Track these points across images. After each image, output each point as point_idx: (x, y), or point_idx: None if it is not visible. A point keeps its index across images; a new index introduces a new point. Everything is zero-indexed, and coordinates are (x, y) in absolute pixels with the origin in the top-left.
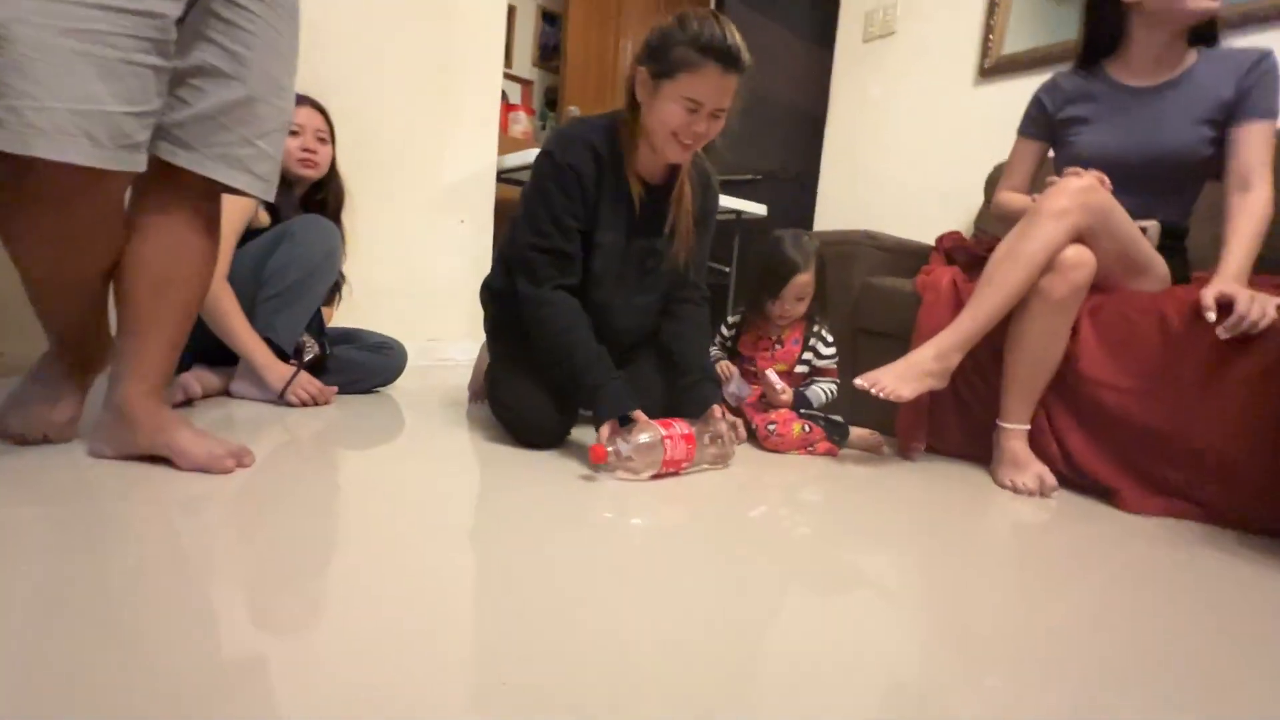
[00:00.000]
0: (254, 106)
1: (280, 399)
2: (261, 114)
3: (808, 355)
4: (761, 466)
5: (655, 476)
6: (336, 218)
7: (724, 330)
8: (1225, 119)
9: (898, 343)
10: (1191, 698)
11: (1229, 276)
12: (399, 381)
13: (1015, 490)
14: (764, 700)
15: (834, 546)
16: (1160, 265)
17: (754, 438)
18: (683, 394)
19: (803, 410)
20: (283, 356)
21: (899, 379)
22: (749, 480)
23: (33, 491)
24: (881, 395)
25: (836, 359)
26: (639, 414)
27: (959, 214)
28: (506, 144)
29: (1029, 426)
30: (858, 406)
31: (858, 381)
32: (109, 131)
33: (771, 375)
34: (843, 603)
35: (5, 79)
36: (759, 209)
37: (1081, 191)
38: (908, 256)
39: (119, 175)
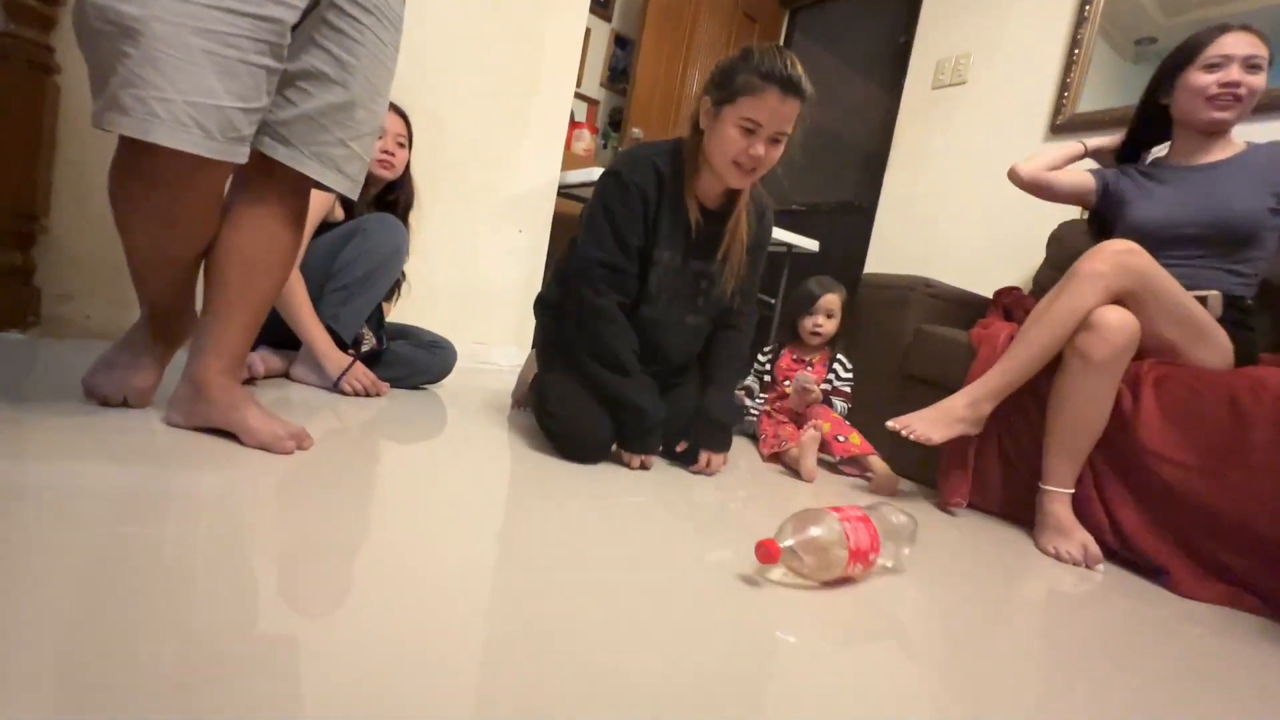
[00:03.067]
0: (353, 111)
1: (335, 387)
2: (359, 118)
3: (830, 376)
4: (791, 497)
5: (831, 583)
6: (405, 218)
7: (760, 358)
8: None
9: (946, 393)
10: None
11: None
12: (445, 380)
13: (1058, 558)
14: None
15: (863, 593)
16: (1220, 334)
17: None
18: (704, 413)
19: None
20: (342, 346)
21: (931, 424)
22: (779, 506)
23: (108, 450)
24: (912, 438)
25: (852, 383)
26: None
27: (1019, 270)
28: (569, 160)
29: (1072, 490)
30: (898, 454)
31: (890, 424)
32: (220, 124)
33: (804, 375)
34: (863, 651)
35: (138, 70)
36: (811, 244)
37: (1118, 254)
38: (963, 307)
39: (223, 165)
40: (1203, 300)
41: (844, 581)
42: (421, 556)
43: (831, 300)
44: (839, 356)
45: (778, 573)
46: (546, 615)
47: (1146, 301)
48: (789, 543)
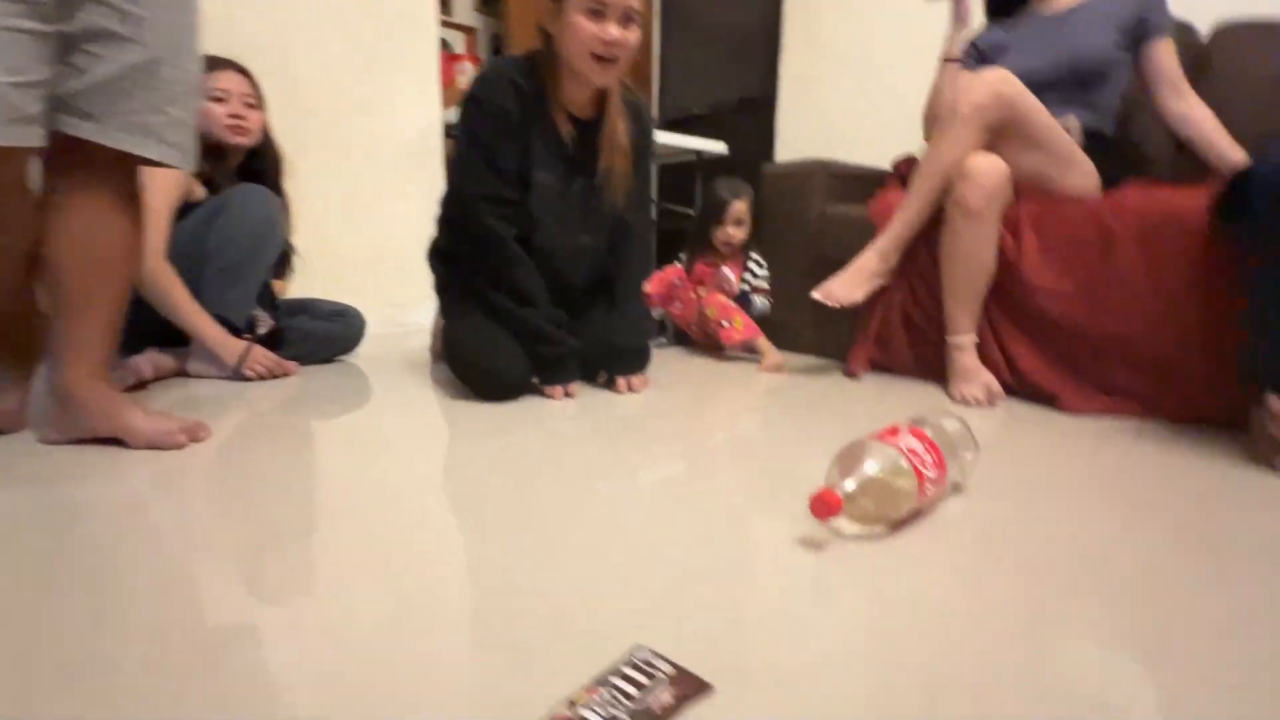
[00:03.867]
0: (157, 70)
1: (237, 375)
2: (167, 78)
3: (746, 277)
4: (711, 386)
5: (901, 522)
6: (276, 185)
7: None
8: (1131, 39)
9: None
10: (1128, 579)
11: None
12: (362, 349)
13: (965, 402)
14: (691, 616)
15: (794, 461)
16: (1085, 160)
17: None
18: (610, 342)
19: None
20: (236, 332)
21: (849, 285)
22: (706, 398)
23: None
24: (835, 304)
25: (768, 279)
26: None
27: (918, 136)
28: (453, 97)
29: (974, 337)
30: (823, 331)
31: (813, 294)
32: None
33: (725, 269)
34: (797, 513)
35: None
36: (719, 147)
37: (992, 84)
38: (867, 184)
39: (13, 151)
40: (1065, 128)
41: (914, 516)
42: (374, 524)
43: (741, 209)
44: (752, 256)
45: (844, 525)
46: (538, 569)
47: (1020, 128)
48: (849, 488)
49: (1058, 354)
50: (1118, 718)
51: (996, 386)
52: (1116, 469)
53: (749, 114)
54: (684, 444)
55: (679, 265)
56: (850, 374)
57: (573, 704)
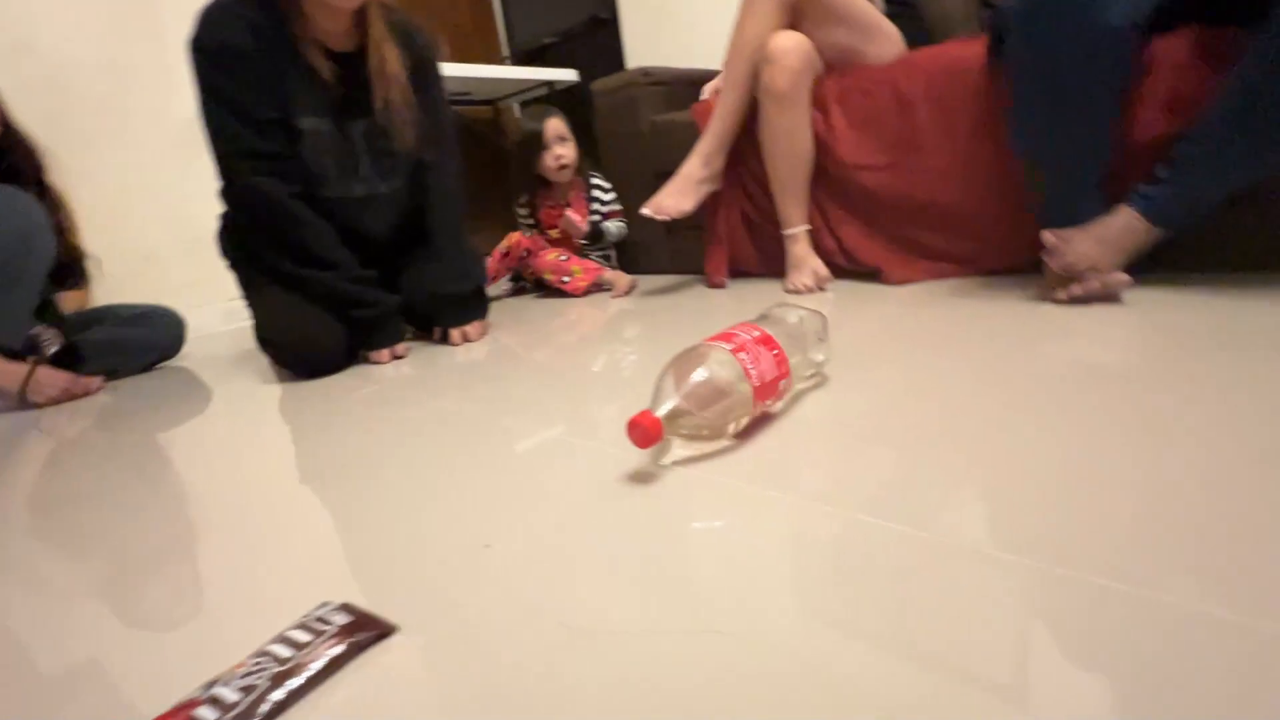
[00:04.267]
0: None
1: (25, 402)
2: None
3: (594, 205)
4: (563, 323)
5: (746, 432)
6: (38, 186)
7: (520, 212)
8: None
9: None
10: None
11: None
12: (196, 349)
13: (795, 291)
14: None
15: (648, 372)
16: (889, 27)
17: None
18: (435, 292)
19: (596, 251)
20: (17, 355)
21: (677, 195)
22: (554, 336)
23: None
24: (667, 216)
25: (617, 200)
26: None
27: None
28: None
29: (807, 227)
30: (679, 247)
31: (643, 210)
32: None
33: (570, 215)
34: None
35: None
36: (569, 75)
37: None
38: (694, 85)
39: None
40: None
41: (761, 421)
42: (238, 537)
43: (556, 125)
44: (594, 180)
45: (675, 447)
46: (418, 560)
47: (813, 11)
48: (669, 405)
49: (878, 228)
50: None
51: (824, 271)
52: (934, 327)
53: (598, 34)
54: (528, 388)
55: (522, 235)
56: (713, 285)
57: (211, 684)
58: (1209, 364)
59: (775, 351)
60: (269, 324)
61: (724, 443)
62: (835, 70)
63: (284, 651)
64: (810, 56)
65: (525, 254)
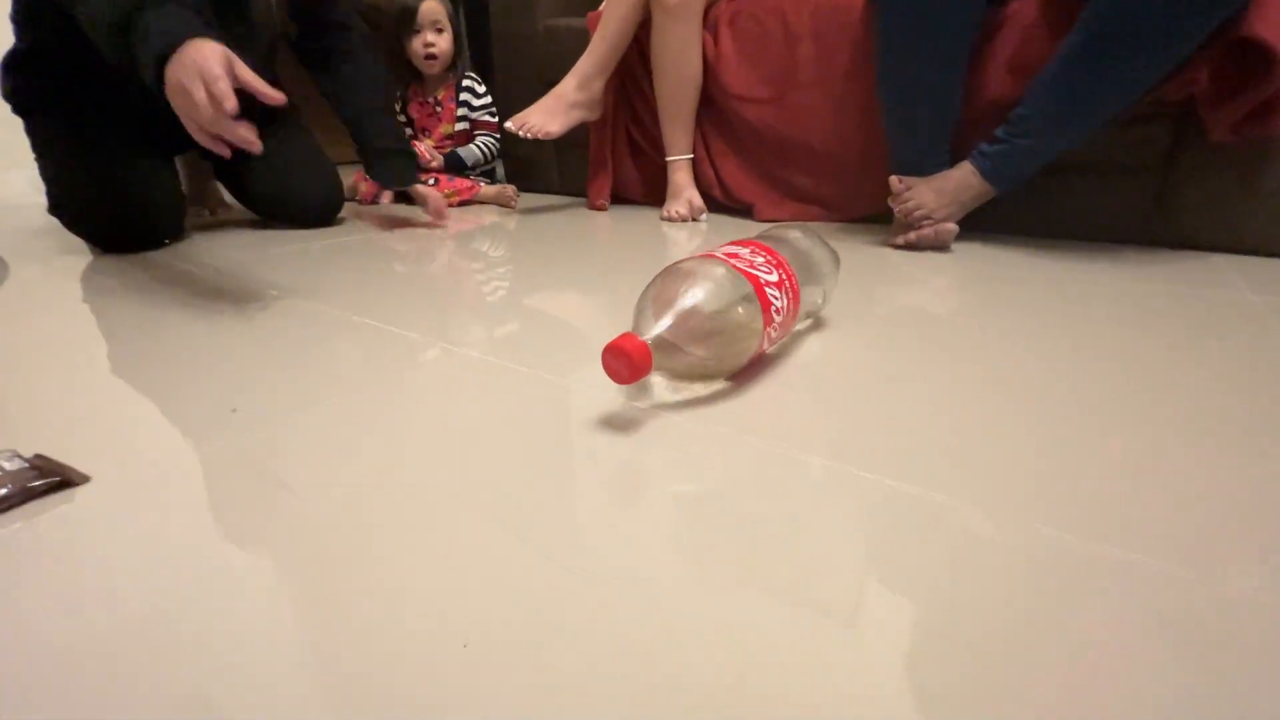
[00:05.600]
0: None
1: None
2: None
3: (463, 111)
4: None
5: (743, 373)
6: None
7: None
8: None
9: None
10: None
11: None
12: None
13: (670, 219)
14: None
15: (520, 293)
16: None
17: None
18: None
19: (462, 172)
20: None
21: (546, 114)
22: (445, 242)
23: None
24: (531, 135)
25: (492, 109)
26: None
27: None
28: None
29: (690, 155)
30: (567, 165)
31: (508, 125)
32: None
33: (420, 147)
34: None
35: None
36: None
37: None
38: None
39: None
40: None
41: (756, 363)
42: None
43: (433, 7)
44: (467, 79)
45: (658, 387)
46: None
47: None
48: (658, 330)
49: (755, 164)
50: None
51: (699, 202)
52: None
53: None
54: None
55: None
56: (594, 207)
57: None
58: (1014, 308)
59: (784, 276)
60: (86, 184)
61: (717, 384)
62: None
63: None
64: None
65: None
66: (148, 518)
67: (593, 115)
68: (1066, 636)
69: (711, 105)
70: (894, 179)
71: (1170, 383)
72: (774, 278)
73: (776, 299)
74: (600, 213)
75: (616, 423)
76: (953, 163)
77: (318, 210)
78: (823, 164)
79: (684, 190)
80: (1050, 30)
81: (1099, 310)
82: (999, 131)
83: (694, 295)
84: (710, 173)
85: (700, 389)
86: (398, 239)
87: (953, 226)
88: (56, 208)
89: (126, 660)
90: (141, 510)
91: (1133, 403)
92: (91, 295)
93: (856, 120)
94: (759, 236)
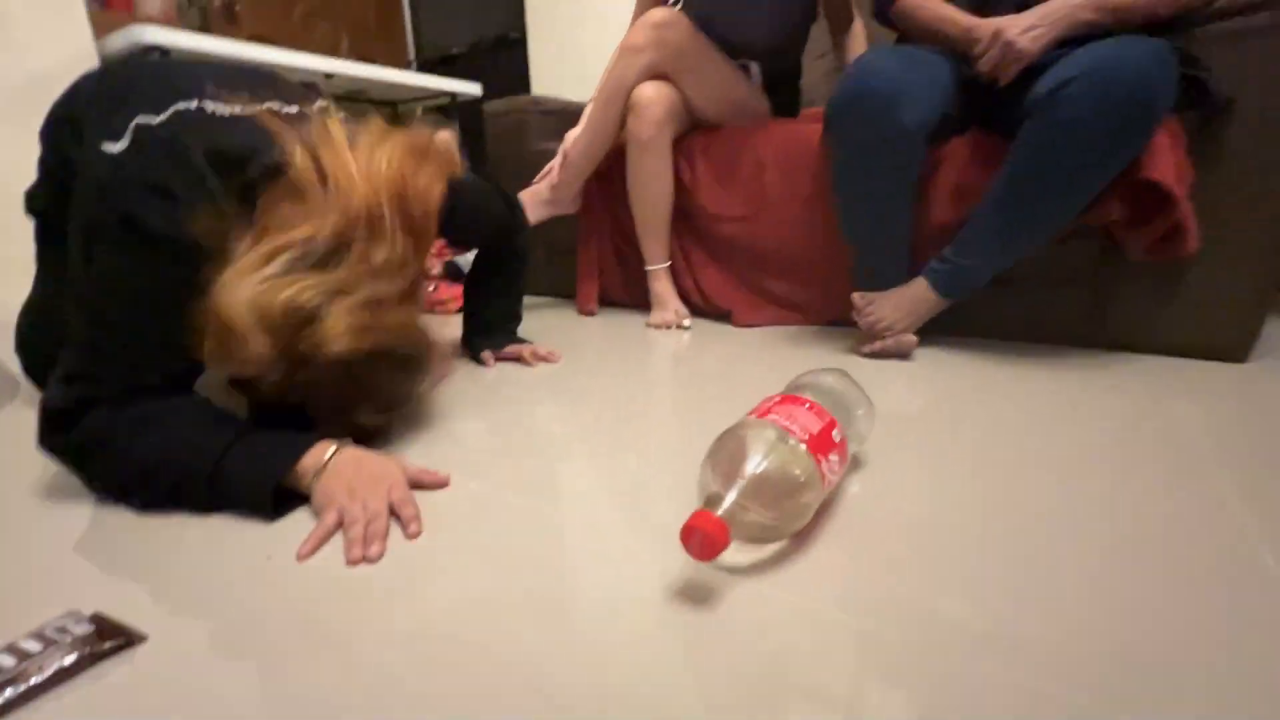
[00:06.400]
0: None
1: None
2: None
3: None
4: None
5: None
6: None
7: None
8: None
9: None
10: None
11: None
12: None
13: (657, 326)
14: None
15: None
16: (758, 105)
17: None
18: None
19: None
20: None
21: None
22: None
23: None
24: None
25: None
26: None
27: None
28: (126, 21)
29: (667, 264)
30: (557, 271)
31: None
32: None
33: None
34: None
35: None
36: (473, 88)
37: (655, 27)
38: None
39: None
40: (746, 69)
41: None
42: None
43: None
44: None
45: (736, 554)
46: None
47: (685, 78)
48: (730, 502)
49: (732, 273)
50: None
51: (683, 309)
52: (758, 370)
53: (506, 52)
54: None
55: None
56: (584, 312)
57: None
58: (971, 407)
59: (827, 426)
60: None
61: (782, 544)
62: (704, 126)
63: (6, 661)
64: (674, 108)
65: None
66: (208, 678)
67: (567, 211)
68: None
69: (690, 222)
70: (856, 296)
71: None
72: (818, 429)
73: (831, 454)
74: (590, 316)
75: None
76: (909, 276)
77: None
78: (795, 272)
79: (668, 302)
80: (985, 164)
81: (1043, 411)
82: (946, 252)
83: (756, 459)
84: (690, 281)
85: (762, 552)
86: None
87: (912, 338)
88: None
89: None
90: (200, 669)
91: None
92: None
93: (822, 234)
94: (794, 388)
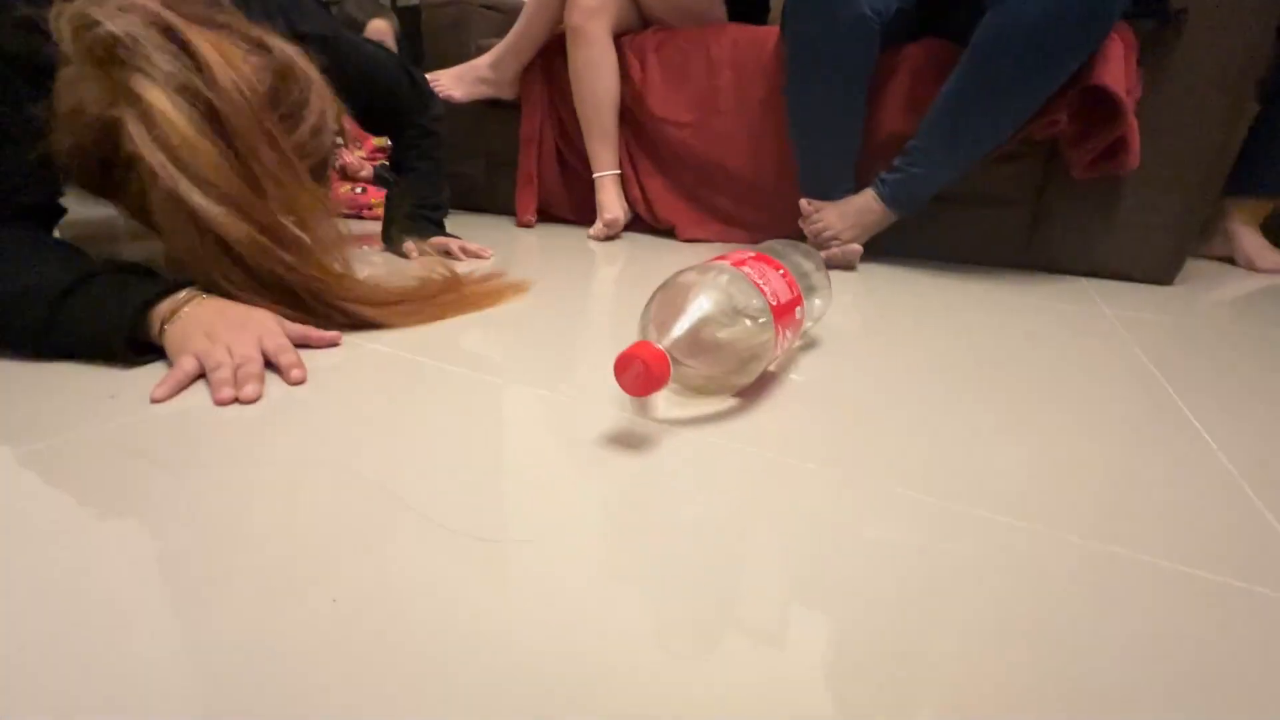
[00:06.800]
0: None
1: None
2: None
3: None
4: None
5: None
6: None
7: None
8: None
9: (519, 110)
10: None
11: None
12: None
13: (594, 237)
14: None
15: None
16: (714, 11)
17: None
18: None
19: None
20: None
21: (454, 79)
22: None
23: None
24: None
25: None
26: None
27: None
28: None
29: (616, 171)
30: (494, 182)
31: None
32: None
33: (349, 156)
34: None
35: None
36: None
37: None
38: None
39: None
40: None
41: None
42: None
43: (379, 26)
44: None
45: (672, 401)
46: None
47: None
48: (676, 335)
49: (678, 185)
50: None
51: (612, 216)
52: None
53: None
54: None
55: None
56: (521, 224)
57: None
58: (909, 319)
59: (792, 290)
60: None
61: (726, 401)
62: (656, 25)
63: None
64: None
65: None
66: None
67: (506, 95)
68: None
69: (638, 128)
70: (804, 201)
71: (1052, 382)
72: (787, 296)
73: (788, 330)
74: (527, 229)
75: (624, 439)
76: (856, 190)
77: None
78: (741, 187)
79: (611, 206)
80: (938, 72)
81: (974, 321)
82: (896, 161)
83: (705, 301)
84: (637, 191)
85: (707, 405)
86: None
87: (857, 248)
88: None
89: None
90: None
91: (1023, 404)
92: None
93: (771, 146)
94: (763, 248)
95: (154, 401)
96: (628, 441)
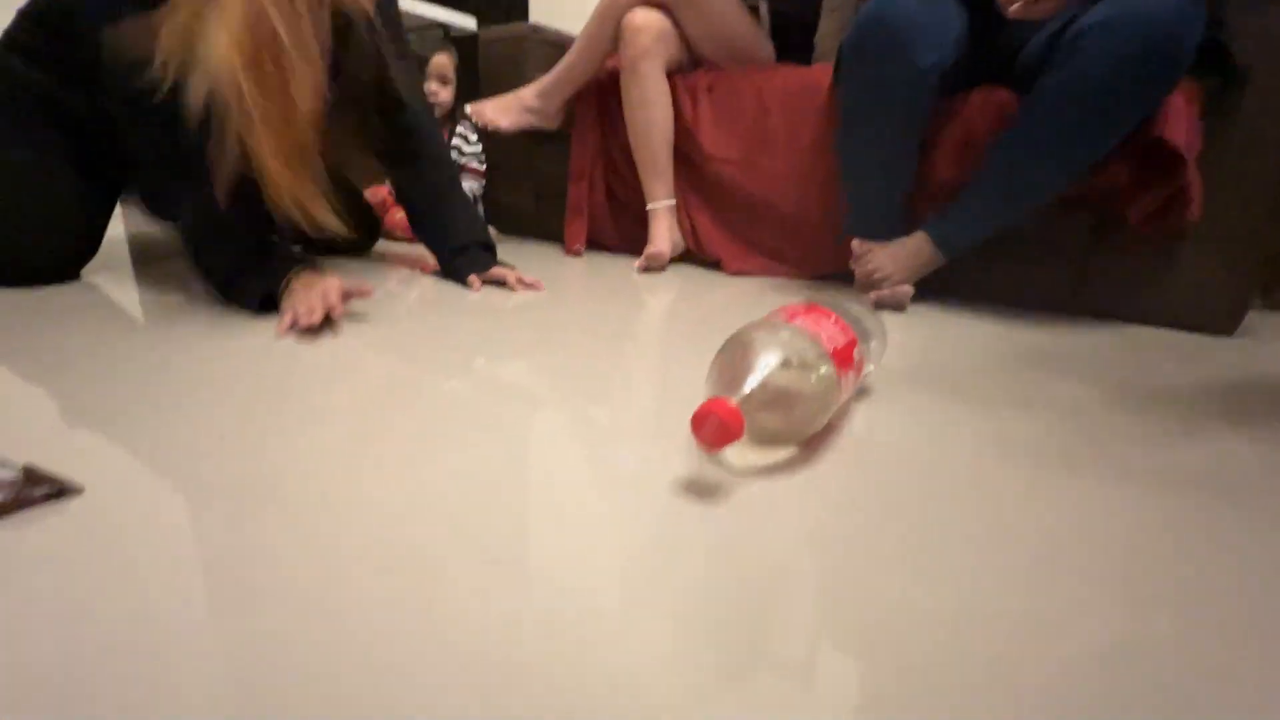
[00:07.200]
0: None
1: None
2: None
3: (453, 155)
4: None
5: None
6: None
7: None
8: None
9: (568, 140)
10: None
11: None
12: None
13: (639, 268)
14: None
15: (505, 334)
16: (762, 49)
17: None
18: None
19: None
20: None
21: (500, 110)
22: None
23: None
24: (481, 123)
25: (481, 156)
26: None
27: None
28: None
29: (670, 202)
30: (544, 211)
31: (467, 107)
32: None
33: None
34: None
35: None
36: (466, 21)
37: None
38: None
39: None
40: (755, 9)
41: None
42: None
43: (442, 62)
44: (461, 127)
45: (743, 454)
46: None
47: (683, 11)
48: (747, 391)
49: (725, 220)
50: None
51: (661, 254)
52: (743, 316)
53: None
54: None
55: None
56: (570, 252)
57: None
58: (967, 357)
59: (848, 339)
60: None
61: (788, 451)
62: (705, 64)
63: None
64: (664, 37)
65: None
66: (142, 530)
67: (549, 126)
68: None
69: (689, 164)
70: (855, 241)
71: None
72: (844, 340)
73: (849, 372)
74: (575, 257)
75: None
76: (907, 232)
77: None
78: (787, 224)
79: (655, 239)
80: (994, 120)
81: (1037, 363)
82: (950, 206)
83: (771, 356)
84: (687, 224)
85: (768, 458)
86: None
87: (908, 289)
88: None
89: (116, 669)
90: (135, 522)
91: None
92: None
93: (818, 186)
94: (811, 301)
95: (279, 335)
96: (696, 488)
